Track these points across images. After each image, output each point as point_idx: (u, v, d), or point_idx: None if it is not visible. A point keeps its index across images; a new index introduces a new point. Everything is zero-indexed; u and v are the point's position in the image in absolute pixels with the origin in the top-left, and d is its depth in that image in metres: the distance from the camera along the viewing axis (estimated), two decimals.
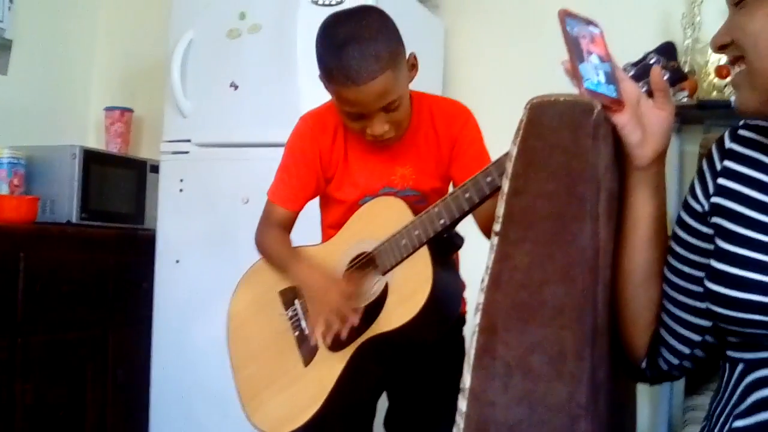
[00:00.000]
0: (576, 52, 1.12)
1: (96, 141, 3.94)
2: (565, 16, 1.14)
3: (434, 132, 1.90)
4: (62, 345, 2.99)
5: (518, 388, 1.10)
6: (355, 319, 1.74)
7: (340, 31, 1.73)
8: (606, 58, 1.16)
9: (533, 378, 1.09)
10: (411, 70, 1.83)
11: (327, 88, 1.79)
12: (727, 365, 1.16)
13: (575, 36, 1.13)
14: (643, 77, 1.22)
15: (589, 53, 1.14)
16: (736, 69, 1.13)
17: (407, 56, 1.81)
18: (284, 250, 1.94)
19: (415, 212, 1.76)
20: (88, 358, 3.12)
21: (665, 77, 1.19)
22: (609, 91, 1.13)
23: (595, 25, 1.19)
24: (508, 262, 1.15)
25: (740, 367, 1.13)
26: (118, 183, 3.42)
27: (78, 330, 3.07)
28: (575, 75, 1.11)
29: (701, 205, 1.18)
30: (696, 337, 1.20)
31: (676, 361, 1.23)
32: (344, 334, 1.75)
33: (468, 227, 1.80)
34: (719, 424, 1.12)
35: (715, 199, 1.15)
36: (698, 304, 1.17)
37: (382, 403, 2.08)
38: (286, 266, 1.92)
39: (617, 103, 1.14)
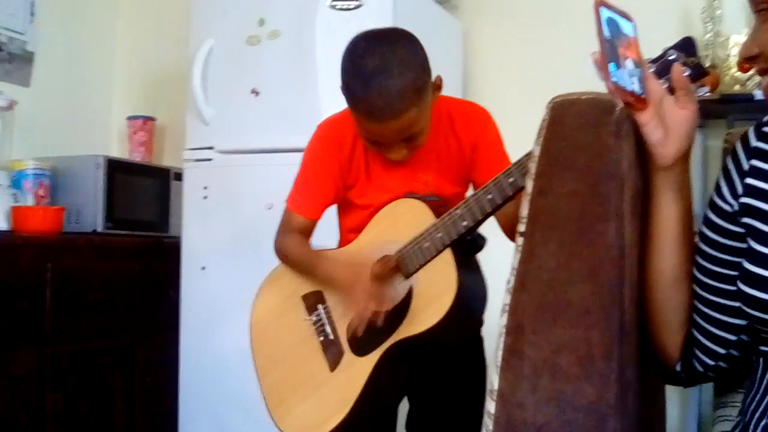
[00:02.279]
0: (612, 57, 1.10)
1: (119, 150, 3.97)
2: (600, 6, 1.13)
3: (454, 136, 1.89)
4: (90, 354, 3.01)
5: (546, 389, 1.10)
6: (390, 302, 1.74)
7: (368, 62, 1.69)
8: (639, 63, 1.14)
9: (561, 378, 1.09)
10: (435, 91, 1.81)
11: (349, 109, 1.78)
12: (761, 360, 1.14)
13: (612, 40, 1.11)
14: (663, 74, 1.21)
15: (625, 58, 1.12)
16: (766, 79, 1.11)
17: (433, 79, 1.79)
18: (307, 252, 1.94)
19: (437, 215, 1.75)
20: (117, 366, 3.14)
21: (686, 74, 1.17)
22: (635, 88, 1.12)
23: (629, 19, 1.17)
24: (533, 262, 1.14)
25: None
26: (143, 191, 3.44)
27: (106, 338, 3.09)
28: (603, 68, 1.09)
29: (730, 205, 1.15)
30: (731, 337, 1.18)
31: (711, 363, 1.21)
32: (381, 319, 1.74)
33: (491, 228, 1.80)
34: (755, 420, 1.10)
35: (744, 200, 1.13)
36: (732, 303, 1.15)
37: (403, 407, 2.08)
38: (311, 266, 1.91)
39: (641, 101, 1.12)
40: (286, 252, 1.97)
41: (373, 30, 1.79)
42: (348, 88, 1.73)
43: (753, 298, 1.07)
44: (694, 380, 1.26)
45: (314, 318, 1.92)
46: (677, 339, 1.23)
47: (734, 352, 1.20)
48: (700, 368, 1.22)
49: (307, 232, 1.96)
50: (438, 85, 1.81)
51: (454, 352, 1.95)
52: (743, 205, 1.13)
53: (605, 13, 1.12)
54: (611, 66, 1.09)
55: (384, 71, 1.67)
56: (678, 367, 1.25)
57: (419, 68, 1.72)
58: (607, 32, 1.11)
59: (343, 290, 1.86)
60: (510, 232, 1.74)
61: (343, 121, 1.89)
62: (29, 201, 3.09)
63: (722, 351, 1.19)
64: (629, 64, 1.12)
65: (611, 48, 1.11)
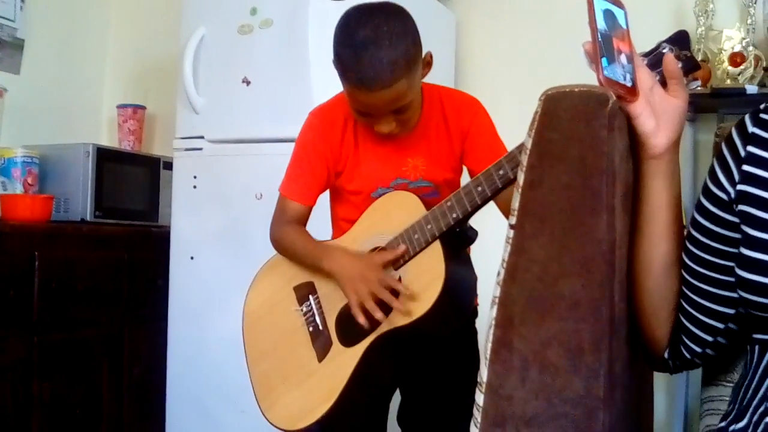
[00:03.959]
0: (605, 50, 1.10)
1: (109, 139, 3.96)
2: None
3: (445, 123, 1.90)
4: (78, 343, 3.01)
5: (535, 382, 1.09)
6: (400, 287, 1.73)
7: (360, 32, 1.70)
8: (631, 57, 1.14)
9: (550, 371, 1.09)
10: (425, 67, 1.83)
11: (341, 81, 1.79)
12: (757, 347, 1.13)
13: (607, 33, 1.11)
14: (656, 67, 1.21)
15: (620, 53, 1.12)
16: None
17: (423, 55, 1.80)
18: (309, 242, 1.93)
19: (428, 206, 1.75)
20: (104, 356, 3.13)
21: (678, 66, 1.17)
22: (625, 80, 1.11)
23: (621, 6, 1.16)
24: (524, 255, 1.14)
25: None
26: (132, 180, 3.43)
27: (94, 328, 3.08)
28: (595, 59, 1.09)
29: (726, 193, 1.14)
30: (719, 325, 1.18)
31: (699, 350, 1.21)
32: (398, 305, 1.72)
33: (482, 220, 1.79)
34: (752, 407, 1.09)
35: (741, 187, 1.11)
36: (721, 292, 1.15)
37: (395, 401, 2.08)
38: (316, 256, 1.89)
39: (632, 93, 1.12)
40: (285, 243, 1.96)
41: (365, 3, 1.80)
42: (339, 59, 1.74)
43: (753, 283, 1.07)
44: (681, 367, 1.27)
45: (304, 308, 1.92)
46: (666, 326, 1.23)
47: (722, 340, 1.20)
48: (688, 355, 1.23)
49: (302, 219, 1.96)
50: (428, 62, 1.83)
51: (446, 344, 1.95)
52: (740, 192, 1.12)
53: (600, 4, 1.11)
54: (604, 60, 1.08)
55: (375, 41, 1.68)
56: (666, 355, 1.25)
57: (411, 40, 1.74)
58: (602, 24, 1.10)
59: (354, 277, 1.80)
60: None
61: (333, 106, 1.91)
62: (18, 189, 3.07)
63: (710, 338, 1.20)
64: (623, 58, 1.12)
65: (606, 41, 1.10)
